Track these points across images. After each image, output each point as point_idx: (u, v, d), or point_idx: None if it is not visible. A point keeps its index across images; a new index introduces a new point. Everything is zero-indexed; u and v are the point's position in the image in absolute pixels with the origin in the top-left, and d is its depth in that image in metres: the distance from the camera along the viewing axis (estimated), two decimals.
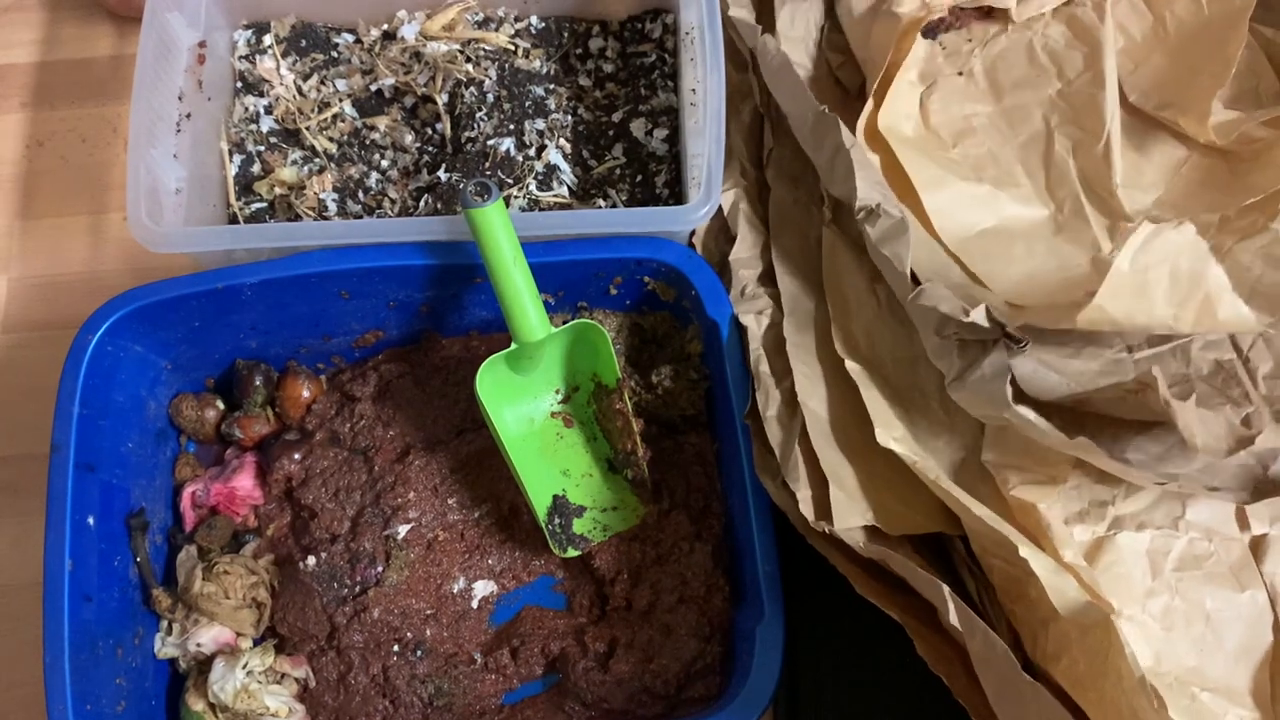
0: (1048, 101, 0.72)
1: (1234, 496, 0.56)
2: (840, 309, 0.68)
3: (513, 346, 0.66)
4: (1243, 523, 0.59)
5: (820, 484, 0.61)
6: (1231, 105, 0.69)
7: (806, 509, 0.60)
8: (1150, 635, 0.56)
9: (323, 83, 0.81)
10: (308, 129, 0.79)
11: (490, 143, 0.76)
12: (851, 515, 0.60)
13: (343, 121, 0.80)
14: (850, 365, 0.64)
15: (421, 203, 0.76)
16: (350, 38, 0.83)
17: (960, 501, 0.57)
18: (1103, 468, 0.57)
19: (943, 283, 0.61)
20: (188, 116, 0.74)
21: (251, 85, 0.81)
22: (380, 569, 0.69)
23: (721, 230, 0.76)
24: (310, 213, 0.76)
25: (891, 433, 0.61)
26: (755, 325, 0.68)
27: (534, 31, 0.83)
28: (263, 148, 0.79)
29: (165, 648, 0.69)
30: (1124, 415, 0.56)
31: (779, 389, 0.65)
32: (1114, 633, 0.50)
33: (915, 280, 0.61)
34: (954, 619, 0.54)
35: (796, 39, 0.76)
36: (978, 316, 0.57)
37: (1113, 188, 0.68)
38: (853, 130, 0.69)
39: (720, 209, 0.75)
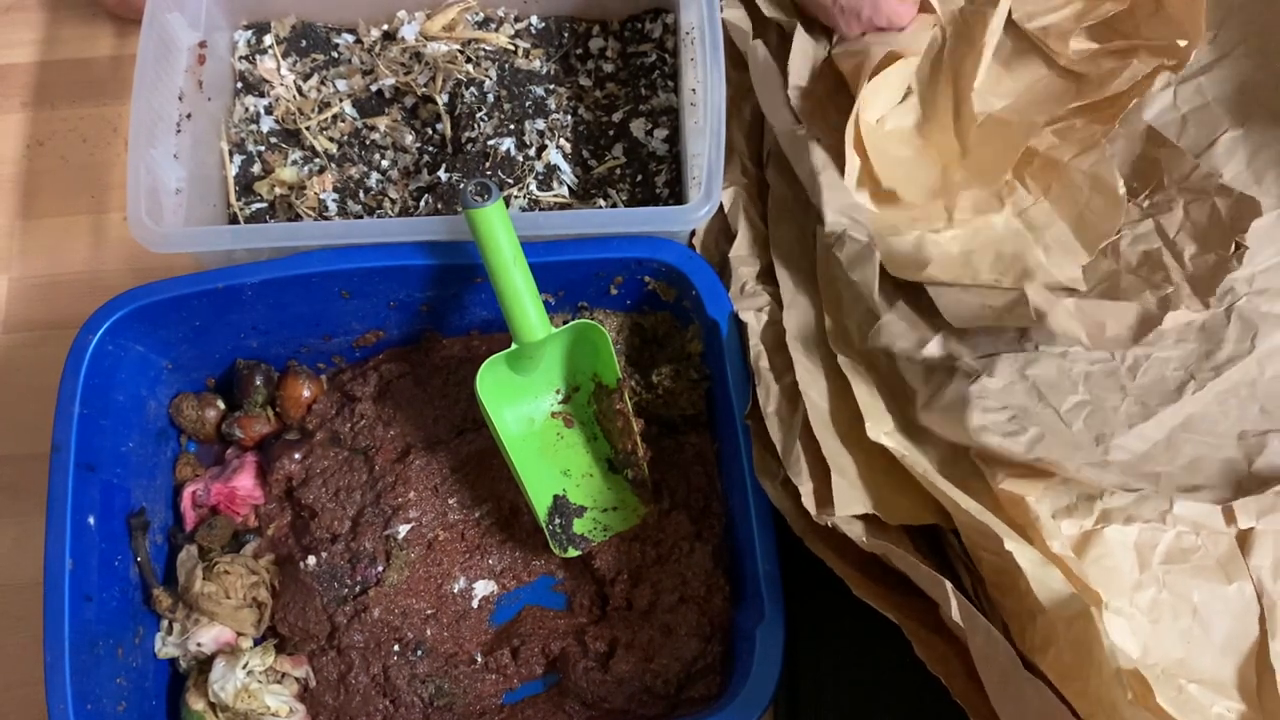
0: (949, 15, 0.74)
1: (1214, 495, 0.56)
2: (833, 304, 0.68)
3: (513, 347, 0.66)
4: (1229, 517, 0.59)
5: (822, 477, 0.61)
6: (1092, 34, 0.72)
7: (810, 504, 0.60)
8: (1138, 627, 0.56)
9: (323, 83, 0.81)
10: (308, 129, 0.80)
11: (490, 143, 0.76)
12: (853, 503, 0.60)
13: (343, 121, 0.80)
14: (842, 360, 0.65)
15: (422, 203, 0.76)
16: (350, 38, 0.83)
17: (949, 495, 0.58)
18: (1079, 479, 0.57)
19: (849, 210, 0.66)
20: (188, 116, 0.74)
21: (252, 85, 0.81)
22: (380, 569, 0.69)
23: (722, 230, 0.76)
24: (310, 213, 0.76)
25: (882, 427, 0.62)
26: (755, 322, 0.68)
27: (534, 31, 0.83)
28: (263, 148, 0.79)
29: (166, 647, 0.69)
30: (1021, 325, 0.61)
31: (779, 385, 0.65)
32: (1094, 624, 0.50)
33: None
34: (956, 615, 0.54)
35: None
36: (931, 350, 0.61)
37: (969, 92, 0.71)
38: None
39: (721, 208, 0.75)
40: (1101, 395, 0.59)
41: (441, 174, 0.76)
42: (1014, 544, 0.54)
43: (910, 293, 0.66)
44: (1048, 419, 0.58)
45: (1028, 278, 0.64)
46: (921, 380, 0.62)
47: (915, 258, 0.67)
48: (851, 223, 0.66)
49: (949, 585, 0.54)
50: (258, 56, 0.81)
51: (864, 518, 0.61)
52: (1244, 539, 0.59)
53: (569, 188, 0.77)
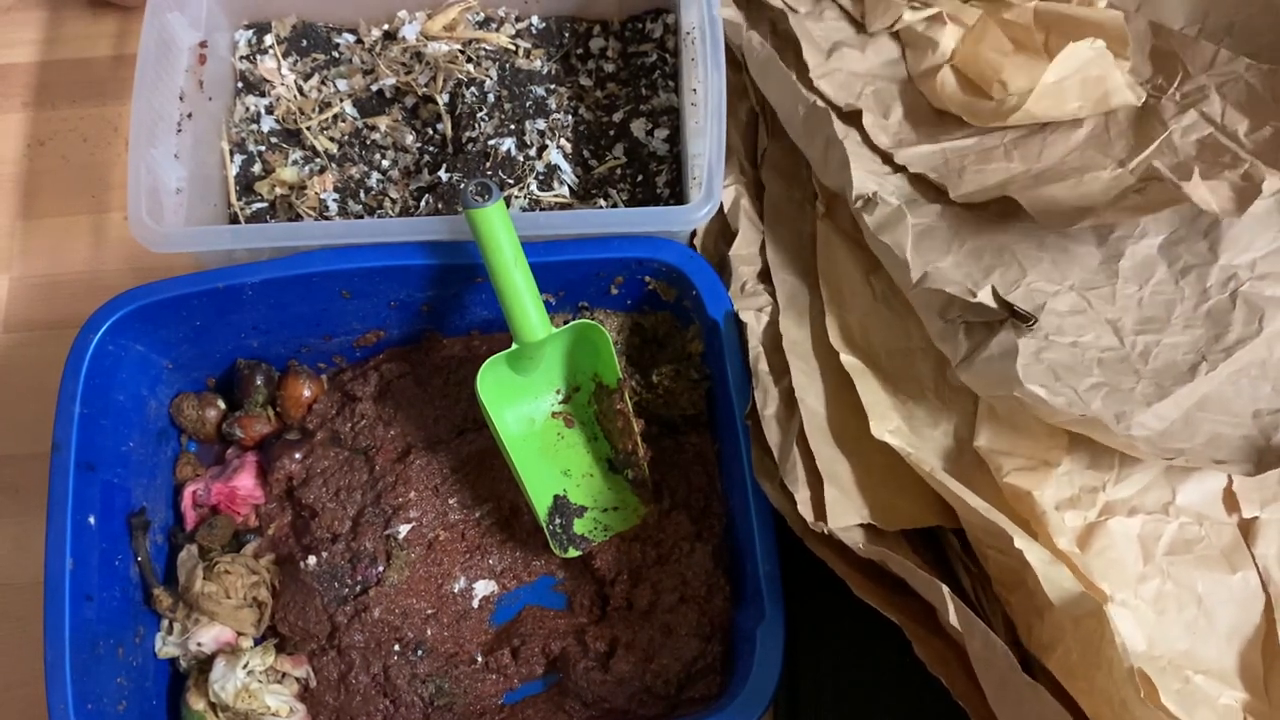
0: None
1: (1239, 469, 0.56)
2: (835, 302, 0.68)
3: (513, 347, 0.66)
4: (1231, 506, 0.59)
5: (818, 485, 0.61)
6: None
7: (805, 510, 0.60)
8: (1143, 619, 0.56)
9: (324, 83, 0.81)
10: (308, 129, 0.79)
11: (491, 143, 0.76)
12: (848, 514, 0.60)
13: (343, 121, 0.80)
14: (845, 359, 0.65)
15: (422, 203, 0.76)
16: (351, 38, 0.83)
17: (955, 493, 0.57)
18: (1110, 445, 0.57)
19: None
20: (189, 116, 0.74)
21: (252, 85, 0.81)
22: (381, 568, 0.69)
23: (722, 230, 0.76)
24: (311, 213, 0.76)
25: (886, 425, 0.62)
26: (755, 322, 0.68)
27: (535, 31, 0.83)
28: (264, 148, 0.79)
29: (166, 647, 0.69)
30: (1136, 216, 0.62)
31: (777, 388, 0.65)
32: (1106, 623, 0.50)
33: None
34: (954, 619, 0.54)
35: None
36: (984, 297, 0.59)
37: None
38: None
39: (720, 208, 0.75)
40: (1116, 378, 0.59)
41: (442, 174, 0.76)
42: (1024, 542, 0.54)
43: (957, 240, 0.66)
44: (1068, 395, 0.58)
45: (1107, 101, 0.67)
46: (962, 336, 0.61)
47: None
48: (880, 185, 0.66)
49: (946, 590, 0.54)
50: (258, 56, 0.81)
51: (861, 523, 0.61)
52: (1247, 528, 0.59)
53: (569, 188, 0.77)
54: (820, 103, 0.70)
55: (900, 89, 0.74)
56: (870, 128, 0.70)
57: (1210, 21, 0.71)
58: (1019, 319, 0.59)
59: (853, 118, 0.71)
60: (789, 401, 0.65)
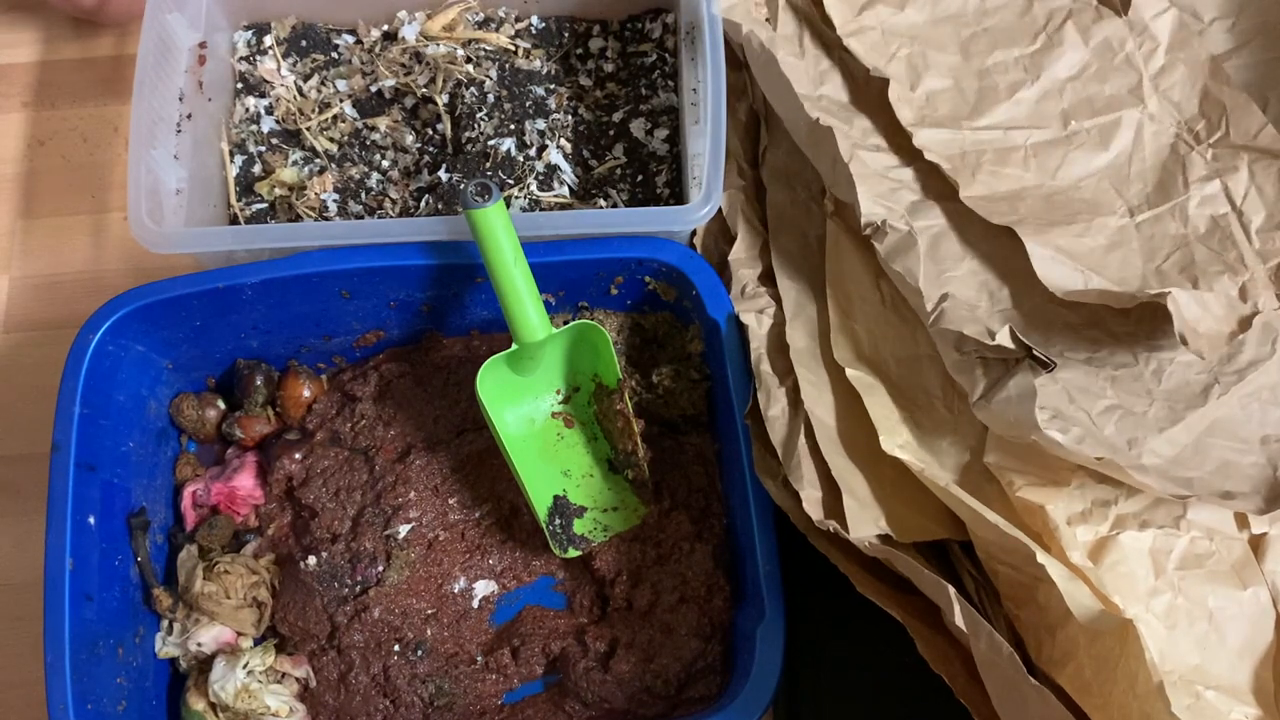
0: None
1: (1248, 503, 0.55)
2: (842, 307, 0.68)
3: (513, 347, 0.66)
4: (1241, 522, 0.59)
5: (826, 484, 0.61)
6: None
7: (813, 509, 0.60)
8: (1154, 634, 0.55)
9: (323, 83, 0.81)
10: (308, 130, 0.80)
11: (491, 143, 0.76)
12: (866, 524, 0.59)
13: (343, 122, 0.80)
14: (851, 374, 0.64)
15: (422, 203, 0.76)
16: (351, 38, 0.83)
17: (971, 508, 0.56)
18: (1125, 481, 0.57)
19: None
20: (188, 117, 0.74)
21: (252, 86, 0.81)
22: (381, 569, 0.69)
23: (721, 230, 0.76)
24: (311, 213, 0.76)
25: (896, 440, 0.61)
26: (756, 324, 0.68)
27: (534, 31, 0.83)
28: (263, 148, 0.79)
29: (166, 647, 0.69)
30: (1131, 313, 0.59)
31: (781, 388, 0.65)
32: (1133, 638, 0.49)
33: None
34: (959, 620, 0.53)
35: (790, 35, 0.75)
36: (1003, 339, 0.58)
37: None
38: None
39: (720, 210, 0.75)
40: (1130, 400, 0.58)
41: (442, 174, 0.76)
42: (1045, 558, 0.53)
43: (971, 247, 0.64)
44: (1082, 421, 0.57)
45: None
46: (979, 371, 0.60)
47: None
48: (889, 211, 0.64)
49: (952, 590, 0.54)
50: (258, 57, 0.81)
51: None
52: (1257, 544, 0.58)
53: (569, 188, 0.77)
54: (824, 121, 0.67)
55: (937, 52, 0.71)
56: (895, 101, 0.67)
57: (1243, 19, 0.69)
58: (1037, 362, 0.57)
59: (867, 101, 0.69)
60: (793, 401, 0.64)
